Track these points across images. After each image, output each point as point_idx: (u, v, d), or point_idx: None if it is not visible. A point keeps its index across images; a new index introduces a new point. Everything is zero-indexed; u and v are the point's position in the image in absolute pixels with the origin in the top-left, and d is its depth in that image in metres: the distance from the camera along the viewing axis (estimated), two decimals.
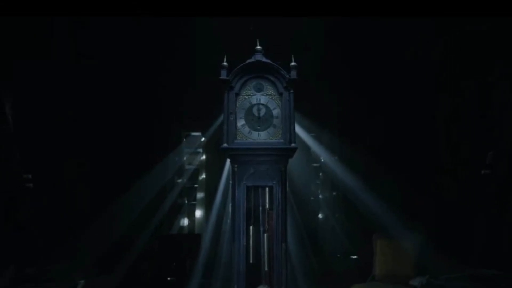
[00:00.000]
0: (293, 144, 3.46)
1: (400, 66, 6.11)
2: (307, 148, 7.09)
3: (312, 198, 7.51)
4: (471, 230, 5.19)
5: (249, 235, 3.40)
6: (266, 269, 3.35)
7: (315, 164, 7.60)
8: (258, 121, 3.53)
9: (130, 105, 6.42)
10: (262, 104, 3.56)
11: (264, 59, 3.56)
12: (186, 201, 7.57)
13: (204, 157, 7.59)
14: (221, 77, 3.51)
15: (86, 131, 5.95)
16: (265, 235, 3.41)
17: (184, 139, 7.53)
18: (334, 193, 7.41)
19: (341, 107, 7.03)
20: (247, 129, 3.52)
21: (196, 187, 7.64)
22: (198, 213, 7.53)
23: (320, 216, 7.55)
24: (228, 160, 3.57)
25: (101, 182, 6.09)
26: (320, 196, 7.67)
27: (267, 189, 3.47)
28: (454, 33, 5.41)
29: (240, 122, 3.52)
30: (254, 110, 3.54)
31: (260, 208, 3.47)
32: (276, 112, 3.54)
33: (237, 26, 5.29)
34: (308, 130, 6.87)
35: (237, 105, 3.54)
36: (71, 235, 5.27)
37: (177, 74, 6.56)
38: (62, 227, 5.32)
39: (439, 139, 5.98)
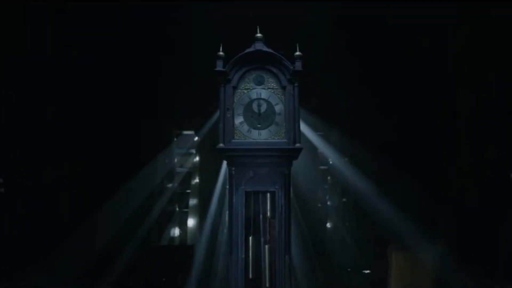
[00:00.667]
0: (297, 144, 3.43)
1: (416, 56, 6.10)
2: (313, 148, 7.08)
3: (319, 205, 7.52)
4: (497, 240, 5.18)
5: (248, 247, 3.37)
6: (267, 285, 3.32)
7: (322, 167, 7.61)
8: (259, 118, 3.50)
9: (114, 101, 6.40)
10: (263, 99, 3.53)
11: (265, 48, 3.53)
12: (177, 209, 7.58)
13: (197, 158, 7.60)
14: (217, 69, 3.48)
15: (66, 129, 5.94)
16: (266, 246, 3.39)
17: (175, 139, 7.55)
18: (344, 200, 7.40)
19: (351, 102, 7.02)
20: (246, 127, 3.50)
21: (189, 192, 7.66)
22: (191, 222, 7.54)
23: (328, 225, 7.55)
24: (225, 162, 3.54)
25: (82, 187, 6.08)
26: (328, 203, 7.68)
27: (268, 194, 3.45)
28: (477, 19, 5.40)
29: (238, 120, 3.49)
30: (254, 105, 3.52)
31: (261, 216, 3.44)
32: (278, 108, 3.52)
33: (234, 12, 5.28)
34: (314, 128, 6.86)
35: (235, 100, 3.51)
36: (49, 247, 5.26)
37: (169, 67, 6.54)
38: (38, 237, 5.31)
39: (461, 138, 5.97)
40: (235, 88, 3.52)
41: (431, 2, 4.93)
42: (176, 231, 7.53)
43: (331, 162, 7.49)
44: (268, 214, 3.44)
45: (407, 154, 6.31)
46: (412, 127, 6.34)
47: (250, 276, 3.33)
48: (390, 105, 6.59)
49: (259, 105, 3.52)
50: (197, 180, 7.57)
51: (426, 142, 6.19)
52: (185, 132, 7.59)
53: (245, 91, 3.55)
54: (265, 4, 4.90)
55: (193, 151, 7.66)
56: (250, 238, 3.39)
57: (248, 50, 3.55)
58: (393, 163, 6.26)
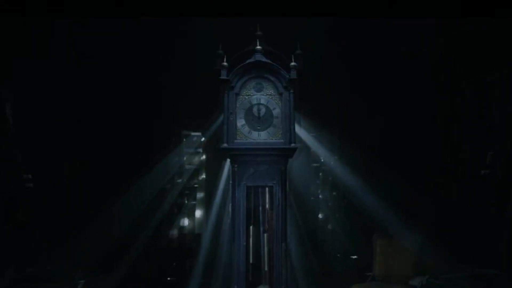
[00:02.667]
0: (293, 144, 3.46)
1: (399, 66, 6.09)
2: (307, 148, 7.07)
3: (312, 198, 7.51)
4: (470, 229, 5.18)
5: (249, 235, 3.41)
6: (266, 269, 3.36)
7: (315, 164, 7.60)
8: (258, 121, 3.53)
9: (130, 105, 6.40)
10: (262, 104, 3.56)
11: (264, 59, 3.57)
12: (186, 201, 7.56)
13: (204, 157, 7.59)
14: (221, 77, 3.51)
15: (86, 131, 5.95)
16: (265, 235, 3.42)
17: (184, 139, 7.53)
18: (334, 193, 7.40)
19: (341, 107, 7.01)
20: (247, 129, 3.52)
21: (196, 187, 7.64)
22: (198, 213, 7.53)
23: (320, 216, 7.54)
24: (228, 160, 3.57)
25: (102, 182, 6.08)
26: (320, 196, 7.66)
27: (267, 189, 3.48)
28: (453, 33, 5.41)
29: (240, 122, 3.52)
30: (254, 110, 3.55)
31: (260, 208, 3.47)
32: (276, 112, 3.55)
33: (237, 27, 5.28)
34: (308, 130, 6.86)
35: (237, 105, 3.55)
36: (71, 235, 5.26)
37: (177, 74, 6.55)
38: (62, 227, 5.32)
39: (439, 139, 5.98)
40: (237, 94, 3.56)
41: (413, 18, 4.93)
42: (185, 221, 7.52)
43: (322, 160, 7.48)
44: (267, 206, 3.48)
45: (391, 153, 6.30)
46: (396, 129, 6.33)
47: (251, 261, 3.37)
48: (376, 109, 6.58)
49: (258, 110, 3.56)
50: (203, 176, 7.56)
51: (408, 142, 6.17)
52: (193, 134, 7.58)
53: (246, 97, 3.58)
54: (265, 19, 4.90)
55: (200, 150, 7.65)
56: (251, 227, 3.44)
57: (249, 60, 3.59)
58: (378, 161, 6.25)
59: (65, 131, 5.65)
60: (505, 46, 4.70)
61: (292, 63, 3.52)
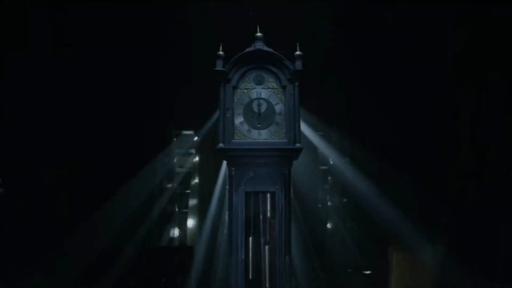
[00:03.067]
0: (298, 144, 3.43)
1: (416, 56, 6.10)
2: (314, 148, 7.08)
3: (319, 205, 7.53)
4: (497, 241, 5.17)
5: (248, 247, 3.36)
6: (267, 286, 3.31)
7: (323, 167, 7.61)
8: (259, 118, 3.49)
9: (115, 101, 6.40)
10: (263, 99, 3.53)
11: (265, 48, 3.53)
12: (176, 209, 7.57)
13: (197, 159, 7.59)
14: (217, 68, 3.48)
15: (67, 131, 5.94)
16: (266, 247, 3.38)
17: (175, 139, 7.54)
18: (344, 200, 7.40)
19: (351, 102, 7.01)
20: (246, 127, 3.49)
21: (188, 193, 7.65)
22: (191, 222, 7.54)
23: (328, 225, 7.55)
24: (225, 162, 3.54)
25: (82, 187, 6.08)
26: (328, 203, 7.68)
27: (268, 195, 3.44)
28: (478, 19, 5.40)
29: (238, 119, 3.49)
30: (254, 105, 3.51)
31: (261, 216, 3.43)
32: (278, 108, 3.51)
33: (235, 12, 5.28)
34: (315, 128, 6.86)
35: (235, 100, 3.51)
36: (49, 246, 5.25)
37: (168, 67, 6.55)
38: (38, 238, 5.31)
39: (462, 139, 5.97)
40: (235, 87, 3.52)
41: (430, 2, 4.92)
42: (175, 232, 7.53)
43: (331, 162, 7.49)
44: (268, 214, 3.44)
45: (407, 154, 6.30)
46: (412, 127, 6.33)
47: (250, 276, 3.33)
48: (390, 105, 6.58)
49: (259, 105, 3.52)
50: (196, 180, 7.57)
51: (426, 142, 6.18)
52: (185, 132, 7.60)
53: (245, 91, 3.54)
54: (265, 4, 4.89)
55: (193, 151, 7.66)
56: (250, 238, 3.39)
57: (248, 49, 3.55)
58: (393, 163, 6.25)
59: (43, 129, 5.64)
60: None
61: (297, 52, 3.49)
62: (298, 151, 3.46)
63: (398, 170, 6.14)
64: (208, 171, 7.13)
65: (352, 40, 6.34)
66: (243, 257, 3.34)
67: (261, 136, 3.49)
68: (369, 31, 6.14)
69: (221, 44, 3.52)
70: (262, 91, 3.54)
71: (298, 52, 3.49)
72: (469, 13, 5.40)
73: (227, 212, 3.63)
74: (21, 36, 5.32)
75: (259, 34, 3.56)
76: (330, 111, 6.97)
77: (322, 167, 7.60)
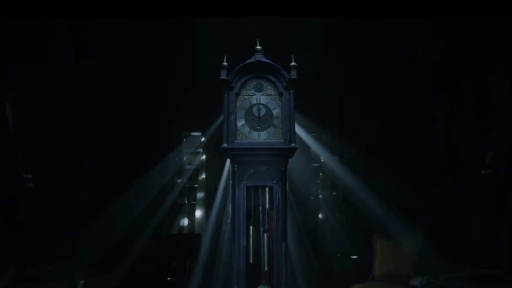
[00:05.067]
0: (293, 144, 3.45)
1: (399, 66, 6.11)
2: (307, 148, 7.07)
3: (312, 198, 7.49)
4: (470, 230, 5.19)
5: (249, 235, 3.39)
6: (266, 269, 3.34)
7: (315, 164, 7.59)
8: (258, 121, 3.51)
9: (130, 105, 6.42)
10: (262, 104, 3.55)
11: (264, 59, 3.55)
12: (186, 201, 7.55)
13: (204, 157, 7.57)
14: (221, 77, 3.50)
15: (86, 131, 5.96)
16: (265, 235, 3.40)
17: (184, 139, 7.52)
18: (334, 193, 7.39)
19: (341, 107, 7.02)
20: (247, 129, 3.51)
21: (196, 187, 7.62)
22: (198, 213, 7.51)
23: (320, 216, 7.53)
24: (228, 160, 3.56)
25: (101, 182, 6.09)
26: (320, 196, 7.65)
27: (267, 189, 3.46)
28: (453, 33, 5.41)
29: (240, 122, 3.51)
30: (254, 110, 3.53)
31: (260, 208, 3.46)
32: (276, 112, 3.53)
33: (237, 26, 5.28)
34: (308, 130, 6.86)
35: (237, 105, 3.53)
36: (71, 235, 5.27)
37: (177, 74, 6.56)
38: (62, 227, 5.32)
39: (439, 139, 5.99)
40: (237, 94, 3.55)
41: (413, 18, 4.94)
42: (185, 221, 7.52)
43: (322, 160, 7.48)
44: (267, 206, 3.46)
45: (391, 153, 6.31)
46: (396, 129, 6.34)
47: (251, 261, 3.35)
48: (376, 109, 6.59)
49: (258, 110, 3.54)
50: (203, 176, 7.55)
51: (408, 142, 6.19)
52: (193, 133, 7.58)
53: (246, 97, 3.57)
54: (265, 19, 4.91)
55: (200, 150, 7.64)
56: (251, 227, 3.42)
57: (249, 60, 3.57)
58: (378, 161, 6.26)
59: (65, 130, 5.65)
60: (506, 45, 4.70)
61: (292, 63, 3.52)
62: (293, 150, 3.48)
63: (382, 167, 6.14)
64: (214, 168, 7.13)
65: (342, 52, 6.35)
66: (245, 243, 3.37)
67: (260, 137, 3.51)
68: (358, 43, 6.14)
69: (225, 56, 3.55)
70: (261, 97, 3.57)
71: (293, 63, 3.52)
72: (445, 28, 5.41)
73: (230, 204, 3.64)
74: (45, 46, 5.32)
75: (258, 47, 3.59)
76: (322, 114, 6.97)
77: (314, 164, 7.59)
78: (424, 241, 5.20)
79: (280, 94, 3.54)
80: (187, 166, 7.62)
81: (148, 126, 6.70)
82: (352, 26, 5.71)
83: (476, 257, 4.85)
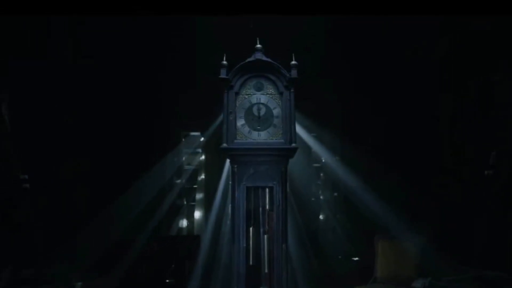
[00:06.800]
0: (293, 144, 3.44)
1: (402, 65, 6.11)
2: (307, 148, 7.07)
3: (313, 199, 7.49)
4: (473, 231, 5.19)
5: (249, 237, 3.38)
6: (266, 270, 3.33)
7: (316, 165, 7.58)
8: (258, 120, 3.51)
9: (129, 105, 6.42)
10: (262, 104, 3.54)
11: (264, 58, 3.55)
12: (185, 202, 7.54)
13: (203, 157, 7.56)
14: (221, 76, 3.50)
15: (84, 131, 5.96)
16: (265, 236, 3.39)
17: (183, 139, 7.51)
18: (335, 194, 7.39)
19: (342, 106, 7.01)
20: (247, 129, 3.50)
21: (195, 187, 7.61)
22: (197, 214, 7.51)
23: (321, 217, 7.52)
24: (228, 161, 3.56)
25: (99, 183, 6.09)
26: (321, 197, 7.64)
27: (267, 189, 3.45)
28: (457, 32, 5.41)
29: (240, 122, 3.50)
30: (254, 109, 3.52)
31: (260, 209, 3.45)
32: (276, 111, 3.53)
33: (237, 25, 5.28)
34: (309, 130, 6.85)
35: (237, 105, 3.52)
36: (69, 237, 5.27)
37: (176, 73, 6.56)
38: (60, 228, 5.32)
39: (442, 139, 5.98)
40: (237, 93, 3.54)
41: (417, 17, 4.94)
42: (184, 223, 7.51)
43: (323, 160, 7.47)
44: (267, 207, 3.46)
45: (393, 153, 6.31)
46: (399, 129, 6.34)
47: (251, 262, 3.35)
48: (378, 109, 6.59)
49: (258, 109, 3.54)
50: (203, 176, 7.54)
51: (411, 143, 6.19)
52: (192, 133, 7.57)
53: (246, 96, 3.56)
54: (265, 17, 4.90)
55: (200, 150, 7.63)
56: (251, 228, 3.41)
57: (249, 59, 3.57)
58: (380, 161, 6.26)
59: (62, 131, 5.65)
60: (510, 45, 4.70)
61: (293, 62, 3.51)
62: (293, 150, 3.48)
63: (384, 167, 6.14)
64: (213, 168, 7.12)
65: (344, 51, 6.34)
66: (245, 245, 3.37)
67: (261, 137, 3.51)
68: (360, 42, 6.14)
69: (224, 54, 3.54)
70: (262, 96, 3.56)
71: (293, 62, 3.52)
72: (449, 27, 5.41)
73: (230, 205, 3.64)
74: (43, 45, 5.33)
75: (258, 45, 3.59)
76: (323, 114, 6.96)
77: (315, 165, 7.58)
78: (427, 242, 5.19)
79: (281, 93, 3.53)
80: (186, 167, 7.60)
81: (146, 126, 6.70)
82: (355, 24, 5.71)
83: (480, 258, 4.84)
